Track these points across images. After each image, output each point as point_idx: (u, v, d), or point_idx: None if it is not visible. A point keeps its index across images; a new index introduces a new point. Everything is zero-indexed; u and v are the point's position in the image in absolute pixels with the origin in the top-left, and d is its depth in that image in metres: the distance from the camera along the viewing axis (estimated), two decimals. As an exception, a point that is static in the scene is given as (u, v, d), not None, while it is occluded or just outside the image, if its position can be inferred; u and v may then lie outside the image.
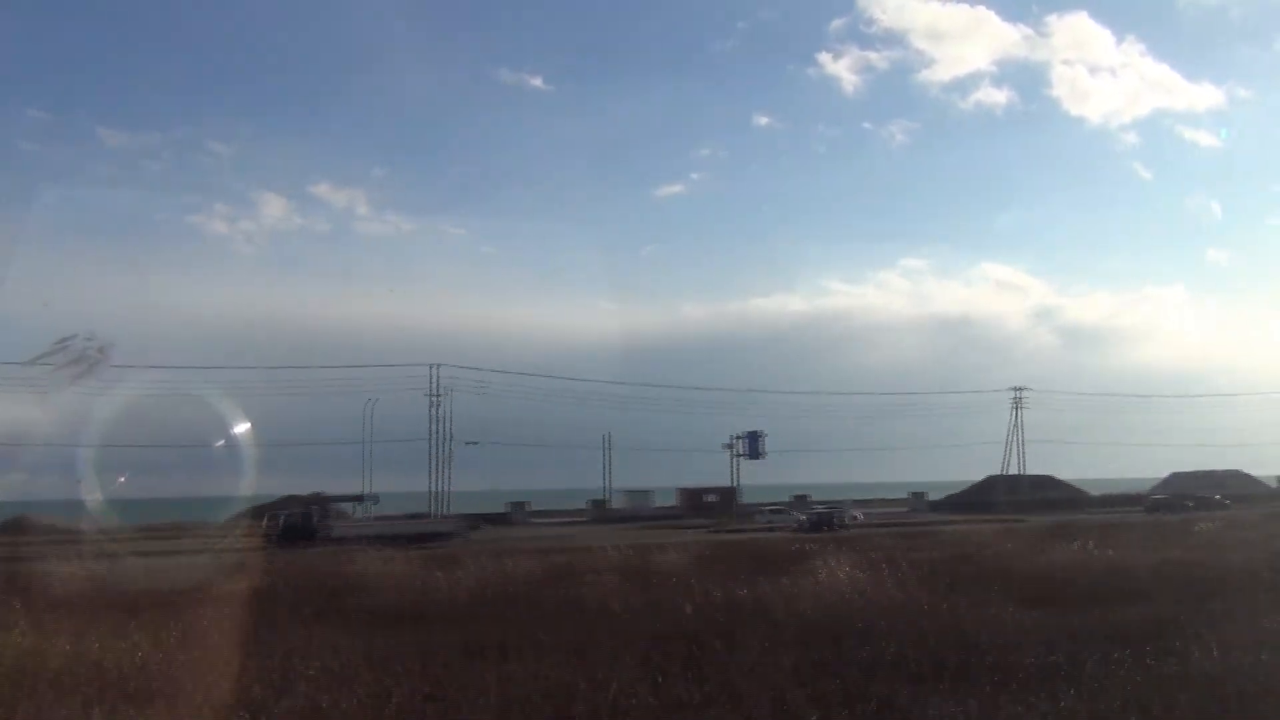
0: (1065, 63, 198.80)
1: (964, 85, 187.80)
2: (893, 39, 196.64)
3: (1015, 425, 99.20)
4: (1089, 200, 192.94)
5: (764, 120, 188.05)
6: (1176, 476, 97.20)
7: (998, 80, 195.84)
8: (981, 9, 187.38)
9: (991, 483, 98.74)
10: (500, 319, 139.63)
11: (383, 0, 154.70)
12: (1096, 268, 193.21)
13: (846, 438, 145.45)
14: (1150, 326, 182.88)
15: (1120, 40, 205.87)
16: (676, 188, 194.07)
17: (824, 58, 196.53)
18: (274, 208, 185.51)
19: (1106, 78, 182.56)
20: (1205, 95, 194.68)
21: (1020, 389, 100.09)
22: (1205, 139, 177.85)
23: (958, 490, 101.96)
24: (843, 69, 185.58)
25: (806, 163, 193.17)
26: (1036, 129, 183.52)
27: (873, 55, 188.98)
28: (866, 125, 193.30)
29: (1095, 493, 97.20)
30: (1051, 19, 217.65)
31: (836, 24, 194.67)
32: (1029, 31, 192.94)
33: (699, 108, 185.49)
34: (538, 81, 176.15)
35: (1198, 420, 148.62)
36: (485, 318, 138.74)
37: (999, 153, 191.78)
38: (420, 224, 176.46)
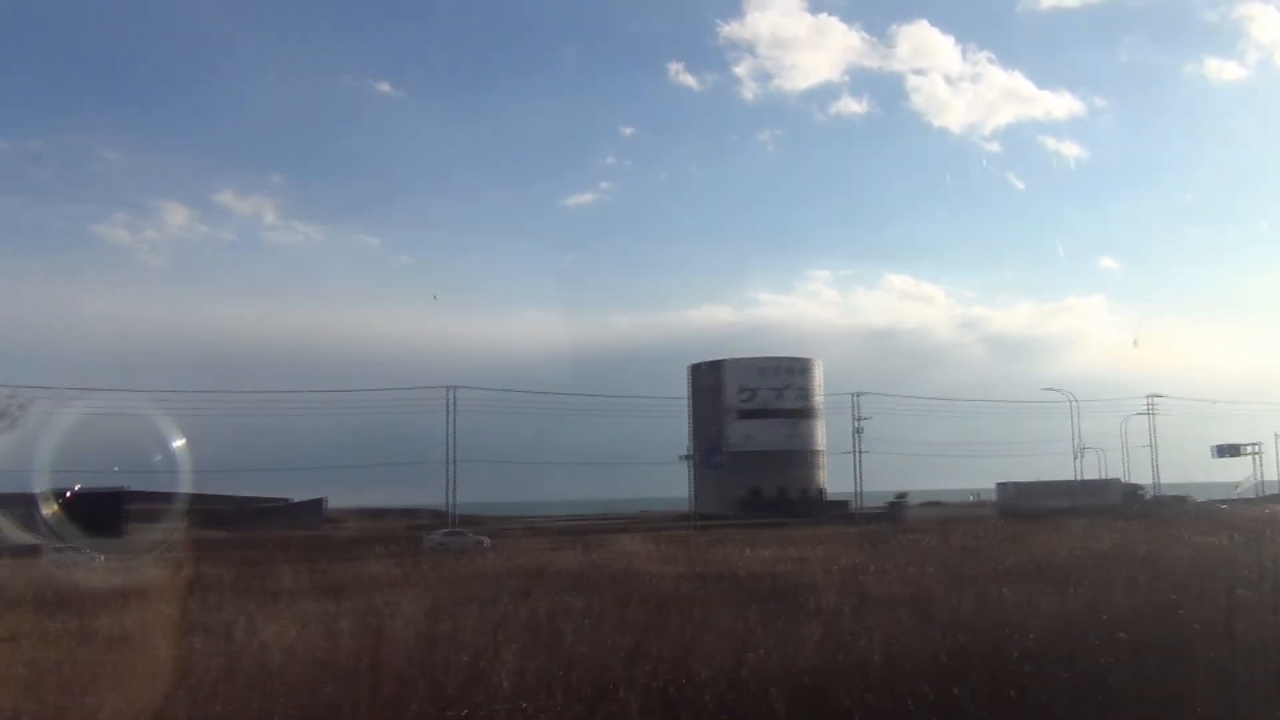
0: (918, 72, 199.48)
1: (821, 95, 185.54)
2: (740, 47, 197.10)
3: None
4: (970, 211, 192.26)
5: (629, 130, 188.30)
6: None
7: (855, 90, 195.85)
8: (824, 16, 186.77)
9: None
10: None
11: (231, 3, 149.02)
12: (1000, 279, 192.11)
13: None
14: (1066, 335, 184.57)
15: (965, 49, 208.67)
16: (586, 197, 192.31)
17: (675, 67, 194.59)
18: (177, 216, 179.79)
19: (961, 87, 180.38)
20: (1062, 103, 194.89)
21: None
22: (1069, 147, 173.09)
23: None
24: (693, 80, 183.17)
25: (704, 171, 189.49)
26: (902, 140, 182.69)
27: (726, 65, 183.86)
28: (734, 136, 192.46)
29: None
30: (894, 28, 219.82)
31: (683, 33, 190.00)
32: (874, 40, 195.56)
33: (566, 118, 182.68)
34: (385, 87, 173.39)
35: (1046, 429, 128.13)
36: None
37: (873, 165, 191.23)
38: (330, 233, 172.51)
